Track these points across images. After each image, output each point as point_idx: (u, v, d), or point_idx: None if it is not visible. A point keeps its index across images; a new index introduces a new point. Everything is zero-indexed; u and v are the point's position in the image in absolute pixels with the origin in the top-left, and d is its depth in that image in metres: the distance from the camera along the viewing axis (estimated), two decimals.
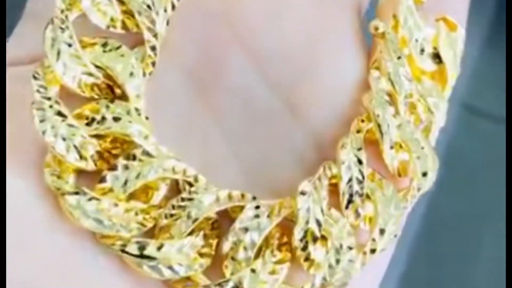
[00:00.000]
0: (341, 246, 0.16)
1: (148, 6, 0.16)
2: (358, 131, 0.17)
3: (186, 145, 0.17)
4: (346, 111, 0.17)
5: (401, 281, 0.46)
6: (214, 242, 0.16)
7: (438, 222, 0.46)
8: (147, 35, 0.16)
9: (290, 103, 0.17)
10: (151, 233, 0.16)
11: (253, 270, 0.16)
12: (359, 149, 0.17)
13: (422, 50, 0.17)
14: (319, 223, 0.16)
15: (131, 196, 0.16)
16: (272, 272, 0.16)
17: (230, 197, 0.16)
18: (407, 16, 0.17)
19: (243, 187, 0.16)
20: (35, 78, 0.16)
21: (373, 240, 0.16)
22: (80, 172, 0.16)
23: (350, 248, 0.16)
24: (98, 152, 0.16)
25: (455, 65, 0.18)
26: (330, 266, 0.16)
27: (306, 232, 0.16)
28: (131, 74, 0.16)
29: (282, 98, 0.17)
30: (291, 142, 0.17)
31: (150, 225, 0.16)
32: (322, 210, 0.16)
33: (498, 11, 0.43)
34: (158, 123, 0.16)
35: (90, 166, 0.16)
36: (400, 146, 0.17)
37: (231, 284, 0.15)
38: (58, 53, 0.15)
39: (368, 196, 0.17)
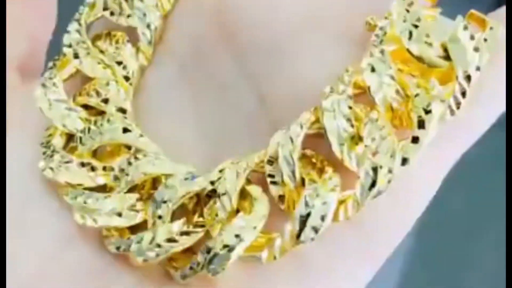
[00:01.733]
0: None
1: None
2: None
3: (161, 122, 0.18)
4: (311, 102, 0.17)
5: (399, 282, 0.46)
6: (145, 207, 0.17)
7: (435, 224, 0.46)
8: (139, 25, 0.19)
9: (261, 92, 0.18)
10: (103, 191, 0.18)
11: (153, 232, 0.17)
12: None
13: (410, 35, 0.16)
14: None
15: (100, 156, 0.18)
16: (170, 239, 0.17)
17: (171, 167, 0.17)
18: (400, 11, 0.17)
19: (203, 161, 0.18)
20: (52, 61, 0.19)
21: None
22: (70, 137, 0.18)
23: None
24: (82, 118, 0.18)
25: (468, 62, 0.16)
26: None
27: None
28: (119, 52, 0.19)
29: (255, 87, 0.18)
30: (256, 127, 0.18)
31: (97, 181, 0.18)
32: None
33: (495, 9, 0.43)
34: (146, 108, 0.19)
35: (75, 129, 0.18)
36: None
37: (141, 244, 0.17)
38: (70, 42, 0.19)
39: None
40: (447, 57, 0.16)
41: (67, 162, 0.18)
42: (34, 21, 0.20)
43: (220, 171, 0.17)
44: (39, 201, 0.18)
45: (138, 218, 0.17)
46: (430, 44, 0.16)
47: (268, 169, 0.17)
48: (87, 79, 0.19)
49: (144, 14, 0.19)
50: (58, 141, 0.18)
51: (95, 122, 0.18)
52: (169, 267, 0.17)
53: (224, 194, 0.17)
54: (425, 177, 0.17)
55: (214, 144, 0.18)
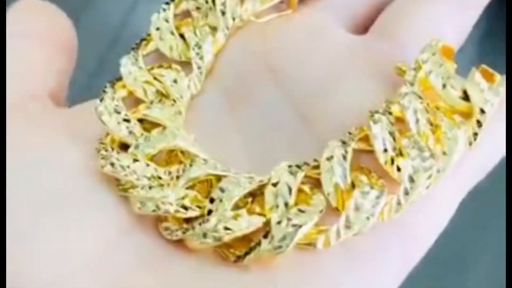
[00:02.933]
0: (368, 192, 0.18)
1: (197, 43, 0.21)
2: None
3: (208, 148, 0.20)
4: (350, 124, 0.19)
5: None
6: (205, 201, 0.18)
7: None
8: (194, 59, 0.21)
9: (305, 116, 0.20)
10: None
11: (213, 218, 0.18)
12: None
13: (444, 85, 0.19)
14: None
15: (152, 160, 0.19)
16: (235, 217, 0.18)
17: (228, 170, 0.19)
18: (429, 57, 0.20)
19: None
20: (107, 87, 0.20)
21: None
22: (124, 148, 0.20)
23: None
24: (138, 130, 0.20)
25: (483, 99, 0.19)
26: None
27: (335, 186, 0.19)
28: (175, 81, 0.21)
29: (299, 112, 0.20)
30: (298, 146, 0.20)
31: (156, 183, 0.19)
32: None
33: (493, 12, 0.43)
34: (191, 128, 0.20)
35: (130, 139, 0.19)
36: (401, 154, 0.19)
37: (203, 227, 0.18)
38: (129, 71, 0.21)
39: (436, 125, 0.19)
40: (466, 99, 0.19)
41: (130, 160, 0.19)
42: (62, 60, 0.22)
43: (279, 174, 0.19)
44: (96, 196, 0.19)
45: (197, 211, 0.18)
46: (454, 88, 0.19)
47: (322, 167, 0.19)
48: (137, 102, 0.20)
49: (200, 48, 0.21)
50: (113, 146, 0.19)
51: (156, 132, 0.19)
52: (226, 252, 0.18)
53: (283, 188, 0.18)
54: (449, 188, 0.20)
55: (259, 166, 0.19)
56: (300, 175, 0.19)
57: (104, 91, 0.20)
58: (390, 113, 0.19)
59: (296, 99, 0.20)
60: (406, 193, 0.18)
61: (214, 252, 0.19)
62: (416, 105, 0.19)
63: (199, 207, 0.18)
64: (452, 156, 0.19)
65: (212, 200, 0.18)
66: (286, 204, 0.18)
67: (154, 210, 0.18)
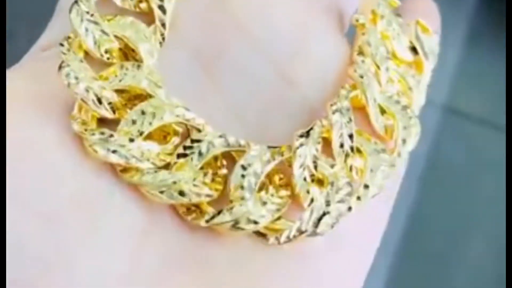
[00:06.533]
0: (337, 187, 0.18)
1: None
2: (345, 98, 0.19)
3: (185, 103, 0.18)
4: (334, 80, 0.19)
5: (387, 279, 0.46)
6: (221, 180, 0.18)
7: (423, 222, 0.47)
8: (157, 12, 0.19)
9: (286, 76, 0.19)
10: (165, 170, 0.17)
11: (249, 205, 0.17)
12: (348, 109, 0.18)
13: (399, 41, 0.20)
14: (315, 164, 0.18)
15: (148, 138, 0.17)
16: (269, 208, 0.17)
17: (236, 142, 0.18)
18: (384, 11, 0.20)
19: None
20: (61, 45, 0.18)
21: (365, 186, 0.18)
22: (101, 121, 0.18)
23: (344, 189, 0.18)
24: (116, 103, 0.18)
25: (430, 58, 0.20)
26: (327, 203, 0.18)
27: (304, 169, 0.18)
28: (143, 38, 0.18)
29: (278, 72, 0.19)
30: (287, 107, 0.19)
31: (161, 163, 0.17)
32: (316, 152, 0.18)
33: (478, 12, 0.43)
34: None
35: (110, 113, 0.17)
36: (384, 112, 0.19)
37: (229, 214, 0.17)
38: (81, 20, 0.18)
39: (358, 150, 0.18)
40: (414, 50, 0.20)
41: (134, 141, 0.17)
42: None
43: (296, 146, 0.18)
44: (106, 191, 0.17)
45: (218, 192, 0.18)
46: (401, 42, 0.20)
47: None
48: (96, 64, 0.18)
49: None
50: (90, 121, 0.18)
51: (144, 106, 0.17)
52: (258, 235, 0.18)
53: (304, 164, 0.18)
54: None
55: (247, 124, 0.19)
56: (271, 164, 0.18)
57: (62, 53, 0.18)
58: (348, 109, 0.19)
59: (270, 58, 0.19)
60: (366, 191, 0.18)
61: (249, 236, 0.18)
62: (373, 92, 0.19)
63: (216, 189, 0.18)
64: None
65: (239, 182, 0.17)
66: (310, 181, 0.18)
67: (172, 198, 0.17)
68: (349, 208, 0.18)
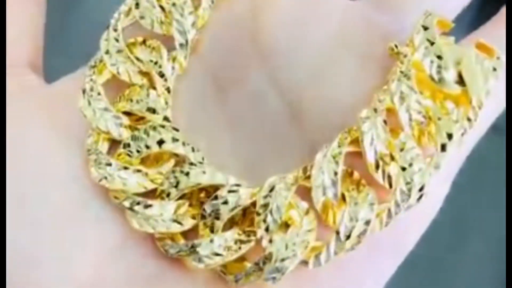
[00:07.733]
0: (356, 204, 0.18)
1: (181, 15, 0.20)
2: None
3: (195, 139, 0.19)
4: (340, 121, 0.19)
5: (387, 280, 0.46)
6: (197, 211, 0.18)
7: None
8: (177, 37, 0.20)
9: (293, 107, 0.19)
10: (152, 196, 0.18)
11: (211, 240, 0.18)
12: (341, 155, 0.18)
13: (439, 72, 0.18)
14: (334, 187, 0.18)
15: (145, 162, 0.19)
16: (228, 247, 0.18)
17: (219, 177, 0.18)
18: (422, 40, 0.18)
19: (238, 174, 0.19)
20: (90, 68, 0.19)
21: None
22: (113, 143, 0.19)
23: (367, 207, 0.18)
24: (126, 126, 0.19)
25: (481, 88, 0.18)
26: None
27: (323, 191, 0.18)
28: (160, 64, 0.19)
29: (287, 102, 0.19)
30: (288, 143, 0.19)
31: (150, 187, 0.18)
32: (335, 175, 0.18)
33: (478, 13, 0.43)
34: (176, 115, 0.19)
35: (119, 136, 0.19)
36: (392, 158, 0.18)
37: (186, 246, 0.18)
38: (108, 49, 0.19)
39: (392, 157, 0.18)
40: (461, 82, 0.18)
41: (121, 169, 0.18)
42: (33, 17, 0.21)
43: (270, 187, 0.18)
44: (91, 206, 0.18)
45: (191, 224, 0.18)
46: (447, 70, 0.18)
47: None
48: (122, 86, 0.19)
49: (182, 24, 0.19)
50: (103, 148, 0.19)
51: (144, 131, 0.19)
52: (222, 272, 0.18)
53: (274, 208, 0.18)
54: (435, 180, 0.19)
55: (243, 161, 0.19)
56: (292, 190, 0.18)
57: (87, 76, 0.19)
58: (385, 121, 0.18)
59: (285, 87, 0.19)
60: (399, 204, 0.18)
61: (211, 272, 0.18)
62: (409, 101, 0.18)
63: (194, 217, 0.18)
64: (444, 161, 0.18)
65: (206, 215, 0.18)
66: (278, 225, 0.18)
67: (152, 228, 0.18)
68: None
